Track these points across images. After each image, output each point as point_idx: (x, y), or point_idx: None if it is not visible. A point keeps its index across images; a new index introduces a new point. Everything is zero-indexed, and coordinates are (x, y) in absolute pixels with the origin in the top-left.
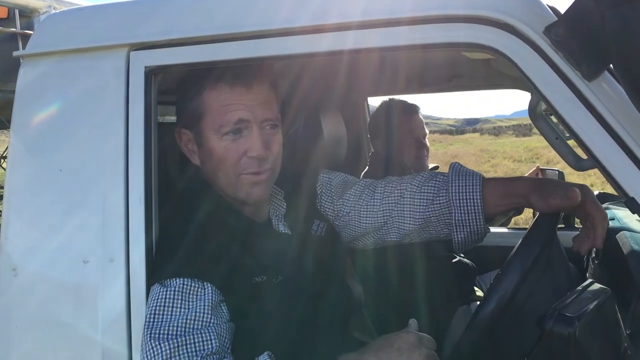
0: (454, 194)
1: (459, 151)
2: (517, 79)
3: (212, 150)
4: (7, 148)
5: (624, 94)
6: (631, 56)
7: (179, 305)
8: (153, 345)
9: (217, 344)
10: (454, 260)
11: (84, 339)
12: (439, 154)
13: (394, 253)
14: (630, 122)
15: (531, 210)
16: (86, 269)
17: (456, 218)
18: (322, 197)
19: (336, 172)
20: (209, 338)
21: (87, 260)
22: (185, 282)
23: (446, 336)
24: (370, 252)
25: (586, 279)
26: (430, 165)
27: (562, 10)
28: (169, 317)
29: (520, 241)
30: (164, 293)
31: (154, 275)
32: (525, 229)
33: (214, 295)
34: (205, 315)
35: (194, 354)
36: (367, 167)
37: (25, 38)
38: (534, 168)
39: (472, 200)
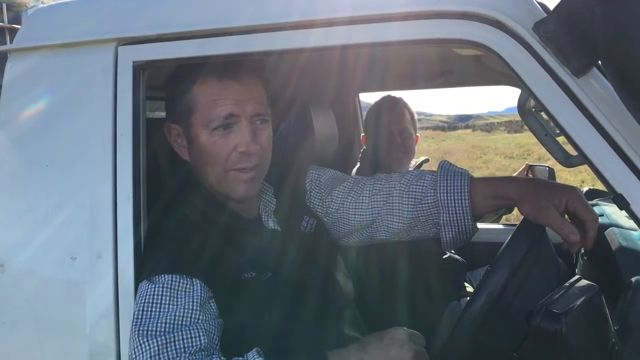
0: (441, 194)
1: (451, 147)
2: (507, 76)
3: (202, 145)
4: None
5: (612, 91)
6: (620, 53)
7: (167, 302)
8: (141, 341)
9: (206, 341)
10: (444, 257)
11: (72, 335)
12: (431, 150)
13: (384, 249)
14: (618, 118)
15: None
16: (74, 265)
17: (444, 218)
18: (312, 194)
19: (325, 169)
20: (197, 334)
21: (75, 257)
22: (174, 279)
23: (436, 332)
24: (361, 248)
25: (575, 275)
26: (421, 158)
27: (552, 7)
28: (157, 313)
29: (509, 237)
30: (153, 289)
31: (142, 272)
32: (516, 225)
33: (202, 291)
34: (194, 311)
35: (183, 350)
36: (357, 164)
37: (13, 32)
38: (524, 166)
39: (459, 201)
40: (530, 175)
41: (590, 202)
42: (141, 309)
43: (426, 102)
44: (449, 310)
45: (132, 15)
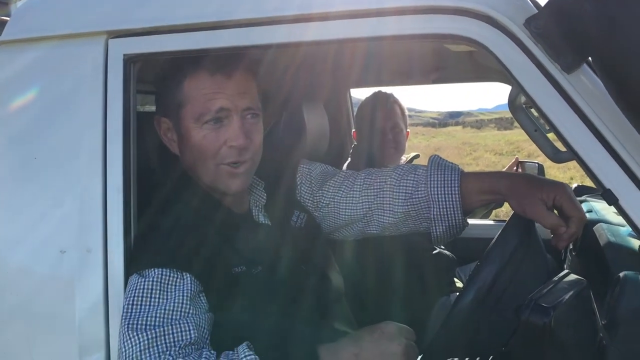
0: (432, 188)
1: (441, 144)
2: (499, 72)
3: (192, 139)
4: None
5: (602, 87)
6: (610, 49)
7: (157, 296)
8: (131, 335)
9: (196, 334)
10: (434, 252)
11: (61, 330)
12: (422, 147)
13: (375, 244)
14: (608, 114)
15: None
16: (63, 259)
17: (434, 213)
18: (302, 188)
19: (316, 163)
20: (187, 328)
21: (65, 251)
22: (164, 273)
23: (426, 327)
24: (351, 243)
25: (563, 270)
26: (412, 154)
27: (543, 3)
28: (147, 307)
29: (499, 233)
30: (142, 283)
31: (132, 266)
32: (505, 221)
33: (192, 285)
34: (184, 305)
35: (172, 344)
36: (348, 160)
37: (2, 24)
38: (513, 160)
39: (450, 195)
40: (520, 171)
41: (579, 199)
42: (131, 302)
43: (417, 98)
44: (439, 305)
45: (123, 7)
